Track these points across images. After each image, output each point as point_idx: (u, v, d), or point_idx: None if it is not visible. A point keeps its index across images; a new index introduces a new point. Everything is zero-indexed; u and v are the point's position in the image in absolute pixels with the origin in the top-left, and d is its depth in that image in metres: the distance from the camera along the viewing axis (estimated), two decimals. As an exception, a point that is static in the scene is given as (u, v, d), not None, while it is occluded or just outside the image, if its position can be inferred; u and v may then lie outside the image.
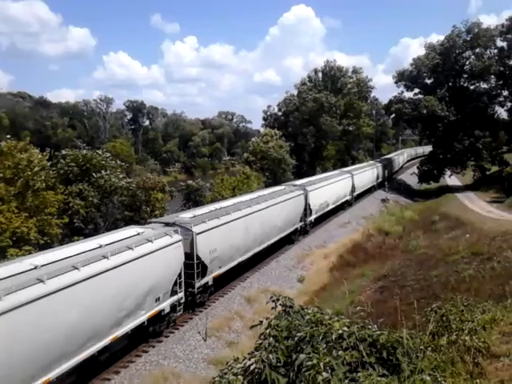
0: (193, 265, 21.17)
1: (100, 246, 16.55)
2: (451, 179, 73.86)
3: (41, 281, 13.14)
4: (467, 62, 65.82)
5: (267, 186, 49.63)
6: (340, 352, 4.91)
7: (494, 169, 65.99)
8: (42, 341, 12.82)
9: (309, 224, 38.28)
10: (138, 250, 17.38)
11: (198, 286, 21.75)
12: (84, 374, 15.52)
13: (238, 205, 27.36)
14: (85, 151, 35.66)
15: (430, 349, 5.86)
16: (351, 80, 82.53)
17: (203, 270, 22.19)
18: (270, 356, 5.09)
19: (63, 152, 35.41)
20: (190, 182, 46.86)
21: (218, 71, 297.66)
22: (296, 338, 5.26)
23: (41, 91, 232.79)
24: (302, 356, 4.88)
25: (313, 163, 74.50)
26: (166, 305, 19.17)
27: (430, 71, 66.47)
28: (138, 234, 18.81)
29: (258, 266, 29.38)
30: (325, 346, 5.04)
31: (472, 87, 66.87)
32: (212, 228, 22.93)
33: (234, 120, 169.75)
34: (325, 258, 32.83)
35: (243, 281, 26.90)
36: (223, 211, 25.26)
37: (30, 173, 28.11)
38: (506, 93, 66.36)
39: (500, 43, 64.35)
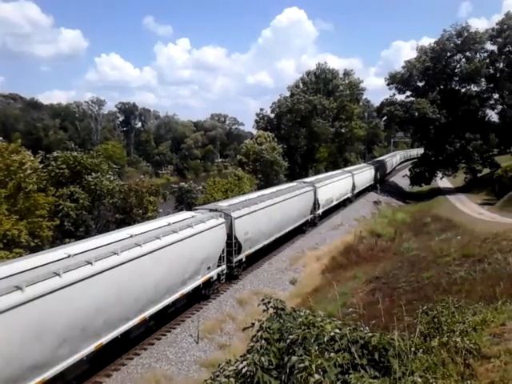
0: (231, 243, 25.75)
1: (169, 224, 21.16)
2: (443, 181, 74.32)
3: (138, 245, 17.81)
4: (458, 65, 66.34)
5: (260, 187, 49.74)
6: (332, 354, 4.91)
7: (485, 171, 66.49)
8: (140, 288, 17.52)
9: (317, 217, 42.67)
10: (196, 227, 22.09)
11: (235, 261, 26.47)
12: (158, 322, 20.07)
13: (262, 197, 32.16)
14: (75, 153, 35.49)
15: (421, 350, 5.88)
16: (343, 82, 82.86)
17: (239, 248, 26.75)
18: (262, 358, 5.08)
19: (54, 154, 35.23)
20: (182, 183, 46.83)
21: (210, 73, 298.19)
22: (288, 341, 5.26)
23: (32, 93, 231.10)
24: (293, 358, 4.88)
25: (305, 165, 74.65)
26: (214, 273, 23.98)
27: (422, 74, 66.89)
28: (193, 217, 23.58)
29: (251, 268, 29.39)
30: (317, 348, 5.04)
31: (463, 90, 67.39)
32: (245, 215, 27.48)
33: (227, 122, 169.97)
34: (317, 260, 32.85)
35: (235, 283, 26.88)
36: (252, 201, 29.97)
37: (21, 175, 27.93)
38: (496, 96, 67.03)
39: (490, 47, 65.09)
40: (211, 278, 23.62)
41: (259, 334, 5.58)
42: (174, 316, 21.31)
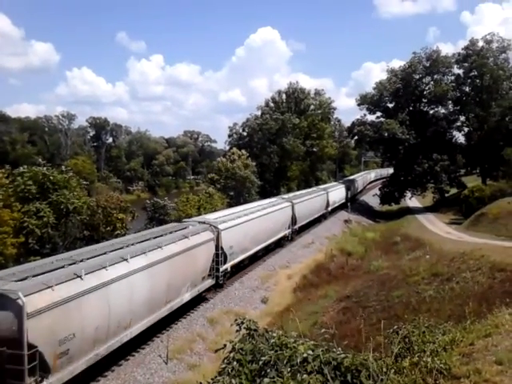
0: (292, 218, 43.10)
1: (269, 202, 40.01)
2: (412, 201, 75.64)
3: (264, 208, 36.42)
4: (426, 88, 68.27)
5: (231, 205, 49.66)
6: (304, 376, 4.85)
7: (453, 191, 68.04)
8: (267, 227, 35.70)
9: (328, 212, 59.44)
10: (279, 206, 40.16)
11: (296, 227, 44.51)
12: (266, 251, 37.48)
13: (303, 194, 51.19)
14: (45, 168, 34.48)
15: (392, 371, 5.87)
16: (314, 102, 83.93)
17: (295, 221, 44.00)
18: (233, 381, 4.98)
19: (20, 169, 34.07)
20: (155, 199, 46.44)
21: (183, 90, 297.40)
22: (260, 362, 5.18)
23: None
24: (266, 380, 4.81)
25: (277, 183, 74.91)
26: (286, 232, 41.88)
27: (392, 95, 68.53)
28: (276, 201, 42.01)
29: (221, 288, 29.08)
30: (289, 369, 4.97)
31: (431, 112, 69.29)
32: (299, 202, 45.18)
33: (199, 139, 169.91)
34: (288, 278, 32.78)
35: (206, 302, 26.51)
36: (299, 196, 48.64)
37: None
38: (462, 118, 69.03)
39: (457, 71, 67.30)
40: (285, 234, 41.36)
41: (231, 355, 5.47)
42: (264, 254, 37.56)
